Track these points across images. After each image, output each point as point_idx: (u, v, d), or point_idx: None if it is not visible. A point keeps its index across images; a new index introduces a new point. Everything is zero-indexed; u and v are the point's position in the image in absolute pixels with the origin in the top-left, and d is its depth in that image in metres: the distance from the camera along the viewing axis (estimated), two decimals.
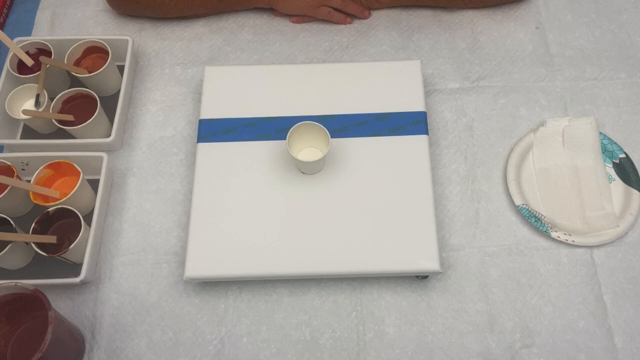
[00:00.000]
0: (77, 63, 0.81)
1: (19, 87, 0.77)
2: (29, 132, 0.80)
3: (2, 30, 0.88)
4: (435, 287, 0.71)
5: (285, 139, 0.68)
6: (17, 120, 0.79)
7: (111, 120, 0.78)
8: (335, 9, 0.87)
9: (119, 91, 0.80)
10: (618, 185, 0.76)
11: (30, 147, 0.76)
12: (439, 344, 0.67)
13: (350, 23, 0.89)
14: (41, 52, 0.81)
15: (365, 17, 0.89)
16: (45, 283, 0.66)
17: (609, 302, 0.69)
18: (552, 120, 0.79)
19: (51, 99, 0.76)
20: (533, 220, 0.72)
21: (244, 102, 0.76)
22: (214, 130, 0.74)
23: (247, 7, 0.89)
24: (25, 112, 0.74)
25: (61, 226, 0.70)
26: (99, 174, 0.73)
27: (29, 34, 0.89)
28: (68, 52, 0.79)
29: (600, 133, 0.78)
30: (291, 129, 0.68)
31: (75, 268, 0.69)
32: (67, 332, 0.64)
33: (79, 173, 0.71)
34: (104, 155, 0.74)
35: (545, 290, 0.70)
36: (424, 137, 0.73)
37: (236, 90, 0.77)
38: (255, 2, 0.88)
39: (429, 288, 0.70)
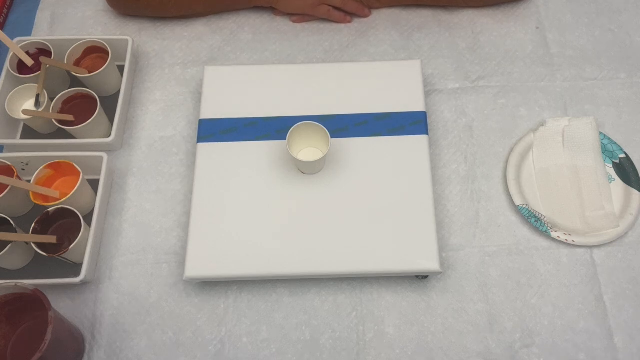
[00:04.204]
0: (77, 63, 0.81)
1: (19, 87, 0.77)
2: (29, 132, 0.80)
3: (2, 30, 0.88)
4: (435, 287, 0.71)
5: (285, 139, 0.68)
6: (17, 120, 0.79)
7: (111, 120, 0.78)
8: (335, 8, 0.87)
9: (119, 91, 0.80)
10: (618, 185, 0.76)
11: (30, 147, 0.76)
12: (439, 344, 0.67)
13: (350, 22, 0.89)
14: (41, 52, 0.81)
15: (365, 16, 0.89)
16: (45, 283, 0.66)
17: (609, 302, 0.69)
18: (552, 120, 0.79)
19: (51, 99, 0.76)
20: (533, 220, 0.72)
21: (244, 102, 0.76)
22: (214, 130, 0.74)
23: (247, 6, 0.89)
24: (25, 112, 0.74)
25: (61, 226, 0.70)
26: (99, 174, 0.73)
27: (29, 34, 0.89)
28: (68, 52, 0.79)
29: (600, 133, 0.78)
30: (291, 129, 0.68)
31: (75, 268, 0.69)
32: (67, 332, 0.64)
33: (79, 173, 0.71)
34: (104, 155, 0.74)
35: (545, 290, 0.70)
36: (424, 137, 0.73)
37: (236, 90, 0.77)
38: (255, 0, 0.88)
39: (429, 288, 0.70)
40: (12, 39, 0.78)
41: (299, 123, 0.68)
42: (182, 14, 0.88)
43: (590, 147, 0.77)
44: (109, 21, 0.90)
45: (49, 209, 0.68)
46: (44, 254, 0.66)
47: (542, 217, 0.73)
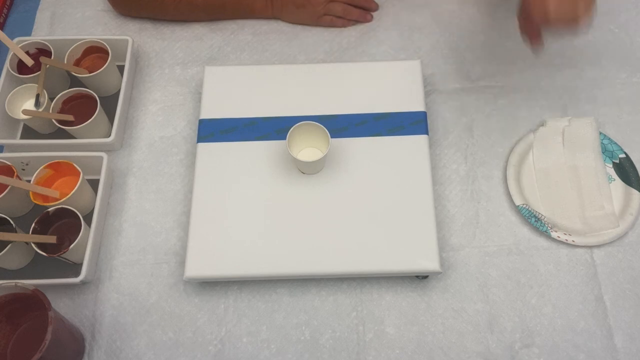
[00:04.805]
0: (77, 63, 0.81)
1: (19, 87, 0.77)
2: (29, 132, 0.80)
3: (2, 30, 0.88)
4: (435, 287, 0.71)
5: (285, 139, 0.68)
6: (17, 120, 0.79)
7: (111, 120, 0.78)
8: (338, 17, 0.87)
9: (119, 91, 0.80)
10: (618, 185, 0.76)
11: (30, 147, 0.76)
12: (439, 344, 0.67)
13: (349, 25, 0.89)
14: (41, 52, 0.81)
15: (367, 21, 0.89)
16: (45, 283, 0.66)
17: (609, 302, 0.69)
18: (552, 120, 0.79)
19: (51, 99, 0.76)
20: (533, 220, 0.72)
21: (243, 102, 0.76)
22: (214, 130, 0.74)
23: (249, 17, 0.89)
24: (25, 112, 0.74)
25: (61, 226, 0.70)
26: (99, 174, 0.73)
27: (29, 34, 0.89)
28: (68, 52, 0.79)
29: (600, 133, 0.78)
30: (291, 129, 0.68)
31: (75, 268, 0.69)
32: (67, 332, 0.64)
33: (79, 173, 0.71)
34: (104, 155, 0.74)
35: (545, 290, 0.70)
36: (424, 137, 0.73)
37: (236, 90, 0.77)
38: (258, 13, 0.88)
39: (429, 288, 0.70)
40: (12, 39, 0.78)
41: (299, 123, 0.68)
42: (183, 19, 0.88)
43: (590, 147, 0.77)
44: (109, 21, 0.90)
45: (49, 209, 0.68)
46: (44, 254, 0.66)
47: (542, 217, 0.73)
